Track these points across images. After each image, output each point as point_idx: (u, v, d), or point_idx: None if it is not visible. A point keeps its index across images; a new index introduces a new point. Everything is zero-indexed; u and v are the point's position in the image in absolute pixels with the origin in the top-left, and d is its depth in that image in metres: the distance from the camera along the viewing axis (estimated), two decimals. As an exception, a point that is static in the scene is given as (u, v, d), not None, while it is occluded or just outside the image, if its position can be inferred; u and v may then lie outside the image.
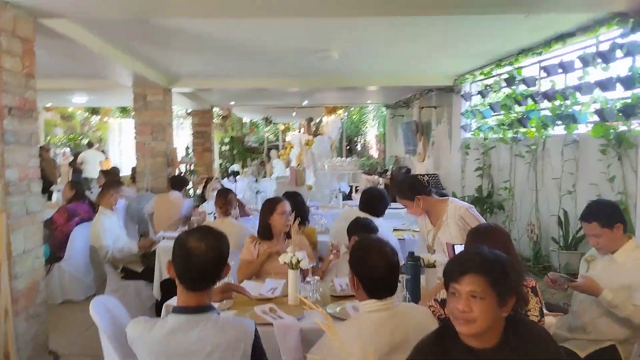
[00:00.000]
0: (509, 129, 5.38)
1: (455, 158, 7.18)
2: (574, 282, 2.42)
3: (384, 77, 7.09)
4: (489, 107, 5.94)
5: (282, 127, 16.79)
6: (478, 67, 6.15)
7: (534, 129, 4.89)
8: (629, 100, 3.52)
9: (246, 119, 16.48)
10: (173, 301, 2.53)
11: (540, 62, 4.97)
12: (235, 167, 15.02)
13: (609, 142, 3.65)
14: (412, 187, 3.18)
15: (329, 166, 11.24)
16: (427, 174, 7.83)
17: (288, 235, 3.34)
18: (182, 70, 6.40)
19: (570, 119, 4.22)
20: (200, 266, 1.64)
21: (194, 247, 1.65)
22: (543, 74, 4.78)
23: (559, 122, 4.46)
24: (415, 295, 2.50)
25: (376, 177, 9.56)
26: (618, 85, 3.66)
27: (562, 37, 4.30)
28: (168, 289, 4.15)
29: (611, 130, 3.66)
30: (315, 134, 15.69)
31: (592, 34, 3.94)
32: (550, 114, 4.56)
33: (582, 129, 4.17)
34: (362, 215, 3.81)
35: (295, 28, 4.21)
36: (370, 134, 14.59)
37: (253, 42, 4.66)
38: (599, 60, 3.80)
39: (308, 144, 13.07)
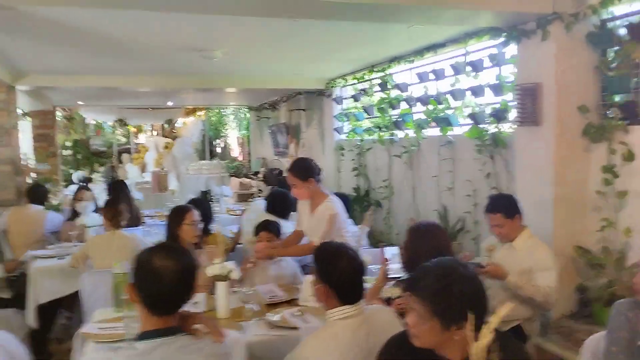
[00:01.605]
0: (384, 131, 5.74)
1: (328, 159, 7.42)
2: (483, 268, 2.67)
3: (255, 79, 7.03)
4: (363, 110, 6.27)
5: (133, 130, 15.70)
6: (350, 72, 6.44)
7: (410, 131, 5.29)
8: (499, 106, 4.00)
9: (91, 121, 15.08)
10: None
11: (411, 69, 5.40)
12: (80, 173, 13.66)
13: (484, 143, 4.10)
14: (307, 169, 3.27)
15: (194, 169, 10.84)
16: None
17: (196, 246, 3.18)
18: (30, 64, 5.61)
19: (444, 122, 4.65)
20: (171, 287, 1.50)
21: (161, 267, 1.51)
22: (415, 80, 5.19)
23: (434, 125, 4.89)
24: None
25: (247, 179, 9.47)
26: (487, 91, 4.14)
27: (434, 47, 4.71)
28: (46, 315, 3.65)
29: (485, 132, 4.11)
30: (172, 137, 15.00)
31: (462, 45, 4.38)
32: (424, 117, 4.99)
33: (457, 130, 4.62)
34: (269, 216, 3.77)
35: (176, 23, 3.95)
36: (232, 136, 14.40)
37: (121, 36, 4.25)
38: (470, 68, 4.25)
39: (168, 146, 12.43)
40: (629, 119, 3.01)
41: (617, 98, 3.09)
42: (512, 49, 3.78)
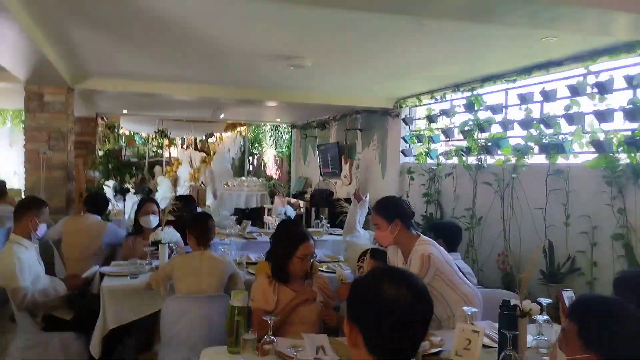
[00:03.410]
0: (465, 155, 5.26)
1: (389, 183, 6.97)
2: None
3: (326, 94, 6.66)
4: (440, 132, 5.83)
5: (166, 142, 15.41)
6: (427, 91, 6.02)
7: (502, 157, 4.81)
8: (631, 132, 3.52)
9: (128, 131, 14.86)
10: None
11: (507, 89, 4.95)
12: (111, 183, 13.32)
13: (616, 174, 3.60)
14: (395, 208, 2.78)
15: (234, 185, 10.45)
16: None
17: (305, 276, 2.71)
18: (93, 65, 5.26)
19: (555, 148, 4.17)
20: (415, 328, 1.12)
21: (400, 301, 1.11)
22: (514, 101, 4.73)
23: (537, 151, 4.41)
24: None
25: (294, 200, 9.03)
26: (616, 116, 3.66)
27: (546, 66, 4.26)
28: (110, 345, 3.19)
29: (616, 162, 3.62)
30: (205, 151, 14.69)
31: (584, 64, 3.93)
32: (524, 142, 4.51)
33: (571, 159, 4.13)
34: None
35: (267, 26, 3.56)
36: (268, 154, 14.02)
37: (201, 38, 3.89)
38: (596, 90, 3.78)
39: (206, 161, 12.09)
40: None
41: None
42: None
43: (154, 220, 4.12)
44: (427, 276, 2.59)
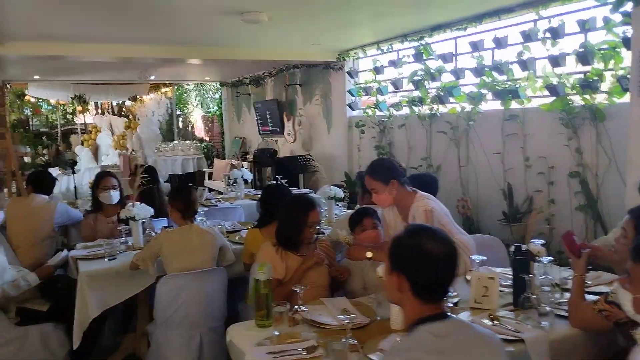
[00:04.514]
0: (419, 105, 5.35)
1: (336, 138, 6.98)
2: None
3: (263, 50, 6.42)
4: (388, 83, 5.85)
5: (79, 108, 14.24)
6: (371, 43, 5.99)
7: (455, 105, 4.95)
8: (583, 75, 3.73)
9: (33, 99, 13.54)
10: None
11: (456, 38, 5.03)
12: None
13: (572, 116, 3.82)
14: (389, 169, 2.82)
15: (168, 151, 9.99)
16: (300, 155, 7.52)
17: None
18: (7, 25, 4.66)
19: (509, 94, 4.34)
20: (445, 272, 1.42)
21: (435, 251, 1.40)
22: (465, 49, 4.83)
23: (491, 98, 4.57)
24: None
25: (235, 161, 8.80)
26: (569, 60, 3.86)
27: (497, 13, 4.35)
28: (90, 331, 3.01)
29: (570, 104, 3.83)
30: (125, 115, 13.80)
31: (535, 10, 4.05)
32: (477, 89, 4.65)
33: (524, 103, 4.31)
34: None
35: None
36: (195, 115, 13.43)
37: None
38: (548, 35, 3.94)
39: (131, 126, 11.38)
40: None
41: None
42: (603, 12, 3.50)
43: (115, 195, 3.85)
44: None
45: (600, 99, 3.68)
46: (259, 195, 5.52)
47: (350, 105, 6.61)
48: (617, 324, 1.83)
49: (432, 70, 5.14)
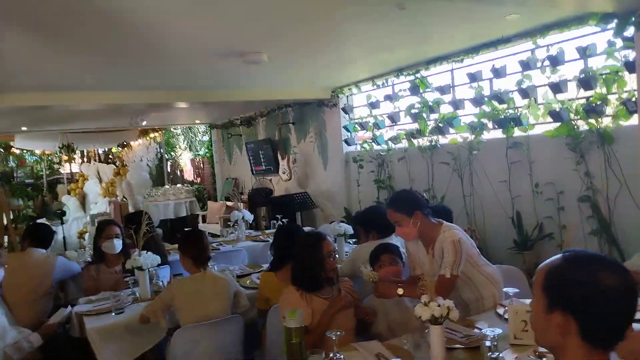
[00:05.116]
0: (417, 137, 5.34)
1: (333, 174, 6.94)
2: None
3: (257, 90, 6.42)
4: (385, 117, 5.85)
5: (65, 157, 14.03)
6: (367, 78, 6.02)
7: (455, 135, 4.94)
8: (585, 101, 3.74)
9: (18, 150, 13.34)
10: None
11: (452, 70, 5.07)
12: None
13: (578, 140, 3.81)
14: (411, 200, 2.75)
15: (159, 196, 9.82)
16: (296, 193, 7.45)
17: (330, 282, 2.57)
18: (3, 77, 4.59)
19: (512, 122, 4.34)
20: (632, 311, 1.18)
21: (618, 287, 1.14)
22: (463, 81, 4.86)
23: (492, 127, 4.57)
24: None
25: (231, 202, 8.65)
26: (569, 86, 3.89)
27: (494, 44, 4.39)
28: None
29: (576, 129, 3.83)
30: (112, 162, 13.65)
31: (533, 39, 4.10)
32: (477, 119, 4.65)
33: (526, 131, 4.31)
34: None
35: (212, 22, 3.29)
36: (184, 158, 13.30)
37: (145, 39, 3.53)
38: (547, 62, 3.97)
39: (122, 173, 11.21)
40: None
41: None
42: (605, 37, 3.55)
43: (118, 244, 3.70)
44: (462, 262, 2.55)
45: (606, 122, 3.68)
46: (261, 237, 5.47)
47: (346, 141, 6.59)
48: None
49: (430, 103, 5.15)
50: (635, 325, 2.00)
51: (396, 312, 2.71)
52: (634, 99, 3.40)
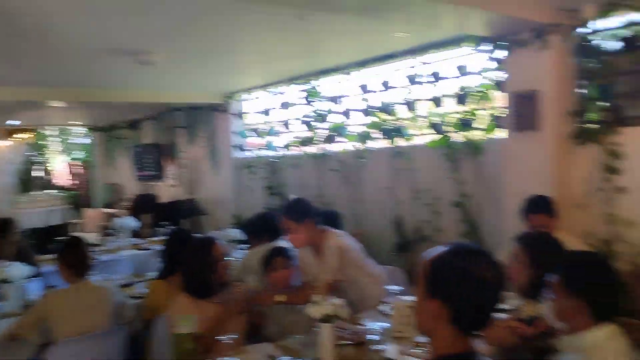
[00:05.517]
0: (309, 145, 5.47)
1: (224, 180, 6.83)
2: None
3: (146, 92, 6.14)
4: (279, 124, 5.91)
5: None
6: (261, 85, 6.03)
7: (345, 144, 5.14)
8: (461, 115, 4.11)
9: None
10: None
11: (341, 81, 5.26)
12: None
13: (453, 151, 4.15)
14: (304, 209, 2.89)
15: (28, 204, 8.95)
16: (184, 200, 7.23)
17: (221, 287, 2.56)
18: None
19: (395, 133, 4.62)
20: (497, 299, 1.26)
21: (489, 276, 1.22)
22: (354, 92, 5.06)
23: (378, 136, 4.82)
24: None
25: (113, 210, 8.13)
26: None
27: (382, 59, 4.65)
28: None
29: (451, 141, 4.18)
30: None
31: (419, 55, 4.40)
32: (366, 129, 4.88)
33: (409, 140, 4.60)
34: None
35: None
36: (57, 162, 12.19)
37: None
38: (432, 79, 4.30)
39: (-18, 177, 10.01)
40: (615, 122, 3.32)
41: (602, 103, 3.39)
42: (482, 57, 3.92)
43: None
44: (346, 266, 2.66)
45: (476, 135, 4.05)
46: (145, 245, 5.21)
47: (237, 147, 6.54)
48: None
49: (321, 112, 5.30)
50: (500, 315, 2.24)
51: (287, 315, 2.74)
52: (501, 115, 3.79)
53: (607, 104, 3.37)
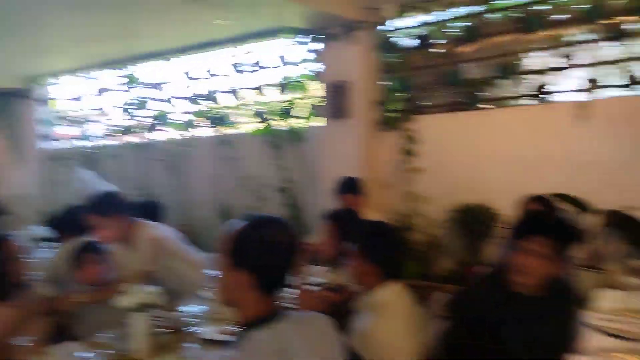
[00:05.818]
0: (130, 134, 5.17)
1: (28, 173, 6.10)
2: None
3: None
4: (94, 112, 5.47)
5: None
6: (71, 69, 5.49)
7: (172, 133, 4.97)
8: (283, 104, 4.28)
9: None
10: None
11: (166, 67, 5.07)
12: None
13: (278, 138, 4.29)
14: (108, 202, 2.78)
15: None
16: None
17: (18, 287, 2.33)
18: None
19: (218, 121, 4.62)
20: (287, 261, 1.33)
21: (285, 241, 1.31)
22: (176, 78, 4.91)
23: (204, 125, 4.76)
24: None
25: None
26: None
27: (206, 46, 4.58)
28: None
29: (274, 129, 4.31)
30: None
31: (242, 44, 4.42)
32: (192, 117, 4.79)
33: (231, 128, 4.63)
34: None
35: None
36: None
37: None
38: (257, 68, 4.37)
39: None
40: (412, 111, 3.77)
41: (402, 94, 3.81)
42: (303, 49, 4.09)
43: None
44: (162, 256, 2.60)
45: (298, 123, 4.25)
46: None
47: (45, 136, 5.88)
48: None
49: (141, 99, 5.04)
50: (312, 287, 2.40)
51: (98, 312, 2.58)
52: (319, 104, 4.02)
53: (406, 95, 3.81)
